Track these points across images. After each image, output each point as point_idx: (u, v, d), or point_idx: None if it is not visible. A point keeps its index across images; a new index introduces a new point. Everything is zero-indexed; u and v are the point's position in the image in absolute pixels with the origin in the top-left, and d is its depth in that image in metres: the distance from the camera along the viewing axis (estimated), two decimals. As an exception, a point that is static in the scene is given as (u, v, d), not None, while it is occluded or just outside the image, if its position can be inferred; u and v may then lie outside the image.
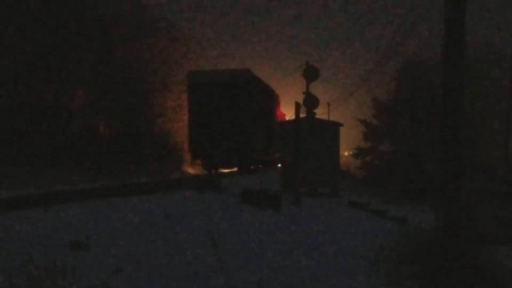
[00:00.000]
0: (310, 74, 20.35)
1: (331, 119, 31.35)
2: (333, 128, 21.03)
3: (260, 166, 26.44)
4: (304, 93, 20.41)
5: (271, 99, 27.52)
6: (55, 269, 5.81)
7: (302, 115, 19.15)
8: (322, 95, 23.51)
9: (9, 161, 17.79)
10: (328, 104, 36.10)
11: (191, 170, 31.93)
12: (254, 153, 22.92)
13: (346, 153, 46.50)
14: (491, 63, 33.51)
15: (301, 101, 19.09)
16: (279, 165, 25.21)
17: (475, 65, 30.04)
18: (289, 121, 25.86)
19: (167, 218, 9.66)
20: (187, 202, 11.79)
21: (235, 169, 23.32)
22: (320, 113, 24.51)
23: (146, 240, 7.88)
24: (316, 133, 20.26)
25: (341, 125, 21.46)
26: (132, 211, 9.83)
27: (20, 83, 20.36)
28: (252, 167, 24.11)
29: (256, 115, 23.31)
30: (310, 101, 20.08)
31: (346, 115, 38.25)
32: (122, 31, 26.47)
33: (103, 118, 26.58)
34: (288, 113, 31.23)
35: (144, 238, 8.00)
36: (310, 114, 20.58)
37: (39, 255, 6.18)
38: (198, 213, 10.51)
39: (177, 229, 8.86)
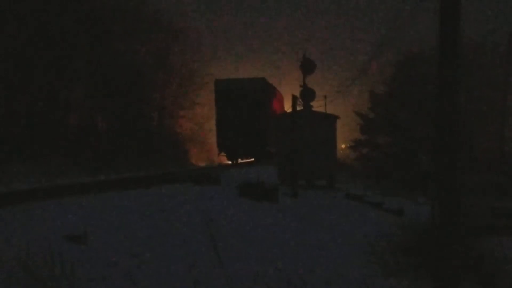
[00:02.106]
0: (307, 67, 20.40)
1: (328, 111, 31.36)
2: (330, 120, 21.06)
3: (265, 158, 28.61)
4: (300, 85, 20.45)
5: (279, 101, 31.25)
6: (53, 262, 5.84)
7: (299, 108, 19.21)
8: (318, 87, 23.94)
9: (7, 155, 17.77)
10: (325, 97, 36.06)
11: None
12: (268, 146, 26.98)
13: (343, 146, 46.47)
14: (487, 54, 33.50)
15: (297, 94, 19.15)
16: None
17: (471, 56, 30.03)
18: (286, 113, 25.95)
19: (165, 211, 9.70)
20: (185, 196, 11.82)
21: (252, 159, 27.93)
22: (317, 105, 24.93)
23: (144, 233, 7.92)
24: (313, 126, 20.30)
25: (338, 117, 21.50)
26: (130, 204, 9.87)
27: (17, 76, 20.29)
28: (267, 157, 28.12)
29: (269, 116, 27.05)
30: (307, 94, 20.13)
31: (344, 107, 38.20)
32: (121, 25, 26.39)
33: (101, 112, 26.53)
34: (285, 106, 31.80)
35: (141, 231, 8.04)
36: (307, 106, 20.63)
37: (37, 248, 6.21)
38: (196, 207, 10.55)
39: (174, 222, 8.91)
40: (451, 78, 7.64)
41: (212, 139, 36.54)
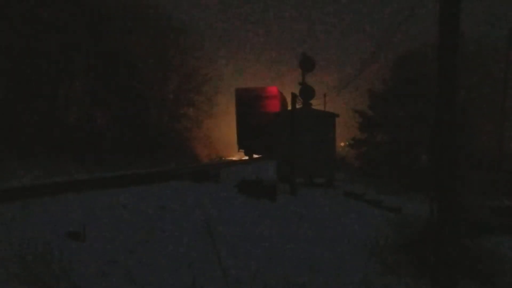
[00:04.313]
0: (306, 65, 20.32)
1: (327, 109, 31.53)
2: (329, 118, 21.05)
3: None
4: (300, 83, 20.38)
5: (285, 104, 34.46)
6: (52, 259, 5.83)
7: (298, 106, 19.17)
8: (318, 85, 24.09)
9: (5, 151, 17.73)
10: (325, 95, 36.17)
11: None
12: None
13: (342, 144, 46.50)
14: (486, 53, 33.47)
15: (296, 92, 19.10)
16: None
17: (470, 55, 29.98)
18: (285, 111, 25.95)
19: (164, 209, 9.69)
20: (184, 193, 11.81)
21: (264, 155, 31.91)
22: (316, 103, 25.13)
23: (143, 231, 7.91)
24: (312, 124, 20.30)
25: (337, 115, 21.49)
26: (128, 201, 9.85)
27: (16, 72, 20.23)
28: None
29: None
30: (306, 92, 20.07)
31: (343, 105, 38.27)
32: (120, 21, 26.36)
33: (100, 109, 26.47)
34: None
35: (140, 228, 8.03)
36: (306, 104, 20.60)
37: (36, 245, 6.19)
38: (195, 204, 10.54)
39: (173, 220, 8.90)
40: (451, 77, 7.63)
41: (213, 136, 38.87)
